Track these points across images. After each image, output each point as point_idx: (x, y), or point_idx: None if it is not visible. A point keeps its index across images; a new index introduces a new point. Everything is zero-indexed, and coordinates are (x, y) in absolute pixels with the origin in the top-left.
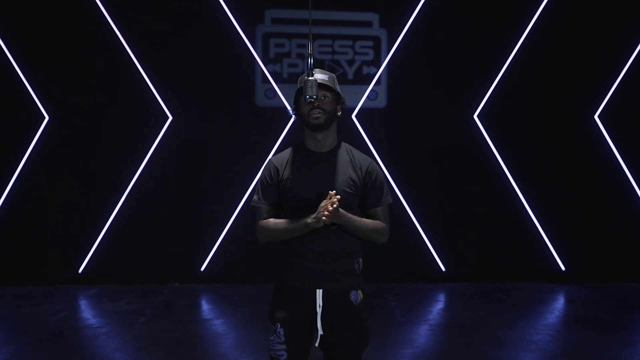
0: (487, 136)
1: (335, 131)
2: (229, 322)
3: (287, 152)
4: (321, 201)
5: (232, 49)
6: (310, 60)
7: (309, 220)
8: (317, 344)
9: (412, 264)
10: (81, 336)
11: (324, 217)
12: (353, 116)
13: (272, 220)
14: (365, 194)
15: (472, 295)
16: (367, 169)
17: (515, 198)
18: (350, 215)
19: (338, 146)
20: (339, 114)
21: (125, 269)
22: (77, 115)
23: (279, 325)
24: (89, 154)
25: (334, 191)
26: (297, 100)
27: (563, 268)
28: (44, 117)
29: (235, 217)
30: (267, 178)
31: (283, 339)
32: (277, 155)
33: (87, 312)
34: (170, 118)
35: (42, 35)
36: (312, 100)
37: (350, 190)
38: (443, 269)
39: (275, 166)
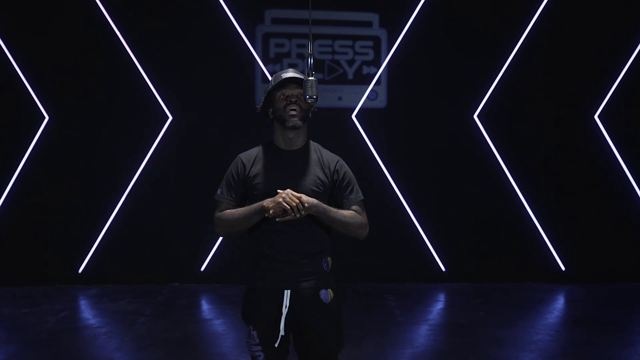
0: (487, 136)
1: (306, 131)
2: (229, 322)
3: (256, 150)
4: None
5: (232, 49)
6: (311, 60)
7: (265, 203)
8: (276, 345)
9: (412, 264)
10: (81, 336)
11: (281, 218)
12: (353, 116)
13: (228, 210)
14: (335, 192)
15: (472, 295)
16: (335, 168)
17: (515, 198)
18: (325, 205)
19: (307, 145)
20: (310, 115)
21: (125, 269)
22: (77, 115)
23: (252, 328)
24: (89, 154)
25: (288, 190)
26: (271, 96)
27: (563, 268)
28: (44, 117)
29: None
30: (234, 174)
31: (257, 340)
32: (245, 152)
33: (87, 312)
34: (170, 118)
35: (42, 35)
36: (313, 100)
37: (318, 190)
38: (443, 269)
39: (243, 162)
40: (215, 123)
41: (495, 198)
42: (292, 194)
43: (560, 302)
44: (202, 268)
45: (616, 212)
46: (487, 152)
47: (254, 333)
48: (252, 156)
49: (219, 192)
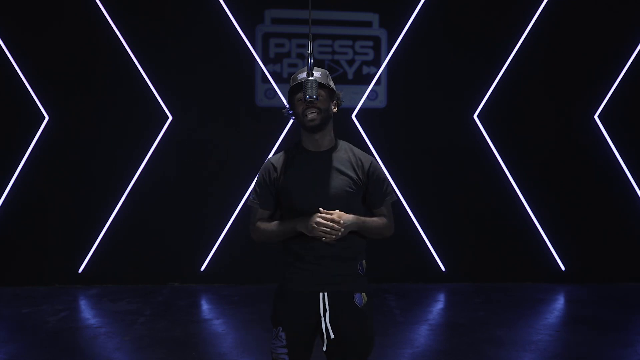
0: (487, 136)
1: (332, 130)
2: (229, 322)
3: (284, 153)
4: (319, 203)
5: (232, 49)
6: (310, 60)
7: (298, 226)
8: (324, 349)
9: (412, 264)
10: (81, 336)
11: (324, 239)
12: (353, 116)
13: (264, 223)
14: (369, 194)
15: (472, 295)
16: (369, 169)
17: (515, 198)
18: (361, 219)
19: (336, 145)
20: (335, 110)
21: (125, 269)
22: (77, 115)
23: (281, 329)
24: (89, 154)
25: (336, 213)
26: (291, 100)
27: (563, 268)
28: (44, 117)
29: (235, 217)
30: (265, 177)
31: (285, 342)
32: (275, 156)
33: (87, 312)
34: (170, 118)
35: (42, 35)
36: (313, 100)
37: (350, 190)
38: (443, 269)
39: (274, 166)
40: (215, 123)
41: (495, 198)
42: (325, 217)
43: (560, 302)
44: (202, 268)
45: (616, 212)
46: (487, 152)
47: (283, 334)
48: (281, 159)
49: (251, 197)
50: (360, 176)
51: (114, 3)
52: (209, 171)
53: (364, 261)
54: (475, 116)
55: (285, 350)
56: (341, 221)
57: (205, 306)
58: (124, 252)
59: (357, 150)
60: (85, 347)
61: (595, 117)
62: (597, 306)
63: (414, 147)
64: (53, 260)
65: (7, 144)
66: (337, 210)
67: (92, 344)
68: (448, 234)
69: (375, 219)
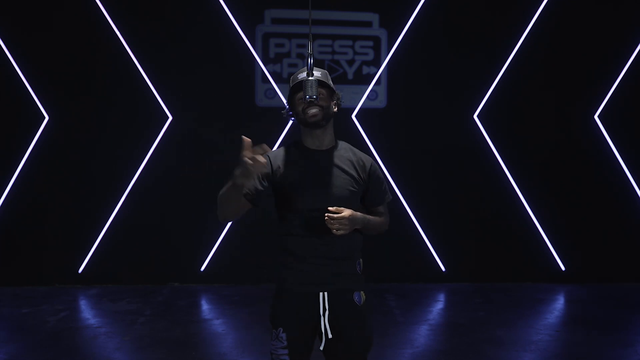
0: (487, 136)
1: (332, 129)
2: (229, 322)
3: (282, 150)
4: (322, 202)
5: (232, 49)
6: (310, 60)
7: (234, 179)
8: (321, 348)
9: (412, 264)
10: (81, 336)
11: (334, 230)
12: (353, 116)
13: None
14: (370, 193)
15: (472, 295)
16: (370, 169)
17: (515, 198)
18: (366, 217)
19: (337, 144)
20: (335, 110)
21: (125, 269)
22: (77, 115)
23: (281, 330)
24: (89, 154)
25: (346, 211)
26: (292, 99)
27: (563, 268)
28: (44, 117)
29: None
30: None
31: (285, 343)
32: (272, 152)
33: (87, 312)
34: (170, 118)
35: (42, 35)
36: (313, 100)
37: (353, 189)
38: (443, 269)
39: (269, 158)
40: (215, 123)
41: (495, 198)
42: (332, 215)
43: (560, 302)
44: (202, 268)
45: (616, 212)
46: (487, 152)
47: (283, 335)
48: (279, 155)
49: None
50: (362, 175)
51: (114, 3)
52: (209, 171)
53: (360, 260)
54: (475, 116)
55: (286, 351)
56: (347, 215)
57: (205, 306)
58: (124, 252)
59: (356, 150)
60: (85, 347)
61: (595, 117)
62: (597, 306)
63: (414, 147)
64: (53, 260)
65: (7, 144)
66: (347, 209)
67: (92, 344)
68: (448, 234)
69: (375, 217)
